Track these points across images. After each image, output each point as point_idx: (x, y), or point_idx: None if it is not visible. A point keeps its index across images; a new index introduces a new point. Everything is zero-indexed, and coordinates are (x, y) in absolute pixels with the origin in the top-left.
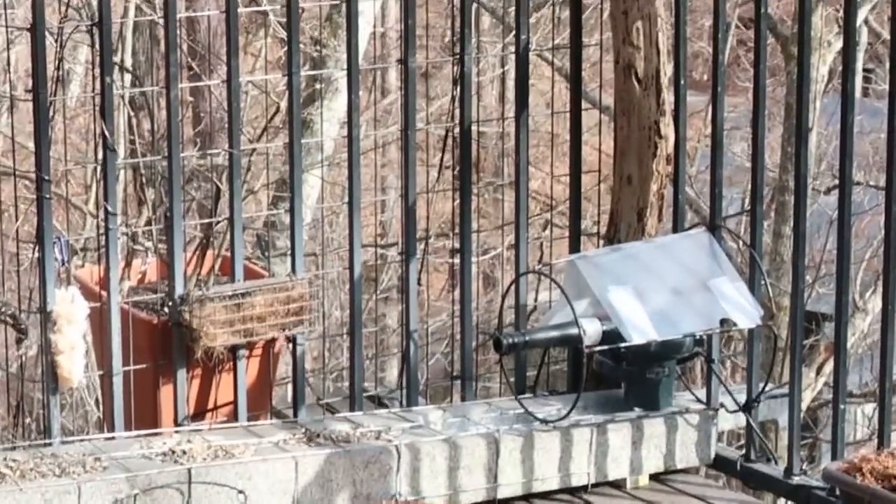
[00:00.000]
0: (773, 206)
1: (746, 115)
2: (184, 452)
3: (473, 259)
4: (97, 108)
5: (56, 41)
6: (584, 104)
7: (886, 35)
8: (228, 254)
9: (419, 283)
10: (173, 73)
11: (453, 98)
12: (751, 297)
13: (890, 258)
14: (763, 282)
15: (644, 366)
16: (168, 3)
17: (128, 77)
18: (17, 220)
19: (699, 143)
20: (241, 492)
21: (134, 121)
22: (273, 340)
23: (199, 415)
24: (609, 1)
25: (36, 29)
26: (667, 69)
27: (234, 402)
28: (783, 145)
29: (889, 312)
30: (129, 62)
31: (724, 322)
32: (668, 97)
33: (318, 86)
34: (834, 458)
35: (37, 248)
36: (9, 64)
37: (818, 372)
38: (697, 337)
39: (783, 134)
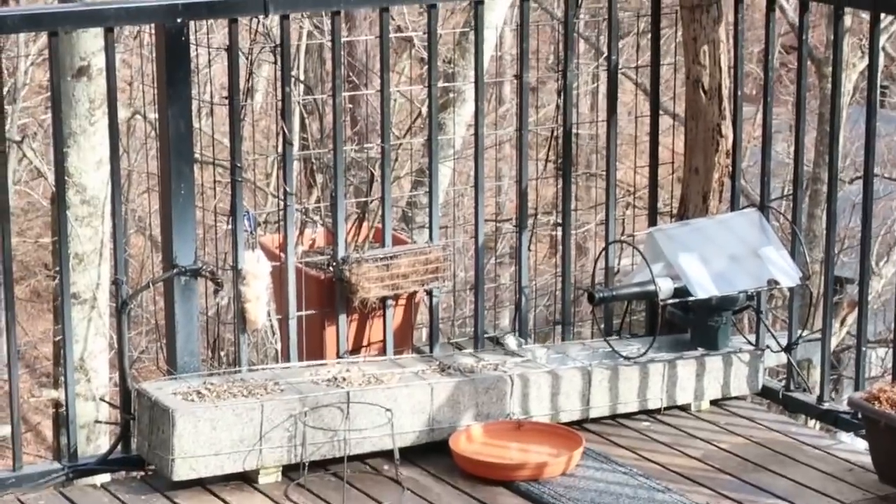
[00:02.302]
0: (808, 193)
1: (787, 122)
2: (344, 379)
3: (571, 231)
4: (278, 112)
5: (247, 59)
6: (659, 112)
7: None
8: (380, 226)
9: (529, 249)
10: (337, 85)
11: (557, 106)
12: (792, 262)
13: None
14: (801, 251)
15: (706, 315)
16: (334, 30)
17: (301, 87)
18: (214, 198)
19: (749, 143)
20: (388, 410)
21: (306, 122)
22: (414, 293)
23: (355, 350)
24: (682, 29)
25: (231, 49)
26: (727, 83)
27: (383, 341)
28: (816, 145)
29: None
30: (301, 76)
31: (770, 282)
32: (728, 105)
33: (450, 95)
34: (856, 389)
35: (230, 221)
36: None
37: (842, 323)
38: (749, 293)
39: (816, 136)
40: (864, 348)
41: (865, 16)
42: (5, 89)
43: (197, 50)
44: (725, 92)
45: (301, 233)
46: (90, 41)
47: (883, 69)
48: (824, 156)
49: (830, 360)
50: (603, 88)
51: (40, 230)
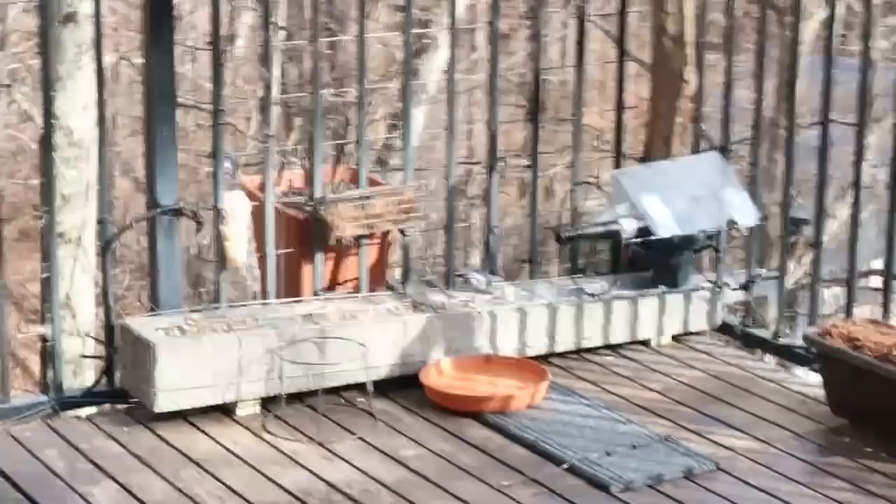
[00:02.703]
0: (768, 138)
1: (749, 69)
2: (320, 315)
3: (539, 174)
4: (259, 57)
5: (230, 5)
6: (626, 58)
7: (857, 7)
8: (356, 167)
9: (499, 191)
10: (316, 31)
11: (528, 53)
12: (751, 203)
13: (859, 177)
14: (759, 192)
15: (668, 254)
16: None
17: (282, 33)
18: (197, 141)
19: (711, 90)
20: (362, 344)
21: (286, 67)
22: (388, 232)
23: (331, 287)
24: None
25: None
26: (691, 30)
27: (358, 278)
28: (777, 92)
29: (855, 218)
30: (282, 23)
31: (729, 222)
32: (691, 52)
33: (424, 42)
34: (810, 325)
35: (211, 162)
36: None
37: (798, 262)
38: (709, 233)
39: (777, 83)
40: (818, 287)
41: None
42: None
43: None
44: (689, 38)
45: (280, 174)
46: None
47: (841, 18)
48: (784, 102)
49: (786, 298)
50: (572, 36)
51: (28, 172)
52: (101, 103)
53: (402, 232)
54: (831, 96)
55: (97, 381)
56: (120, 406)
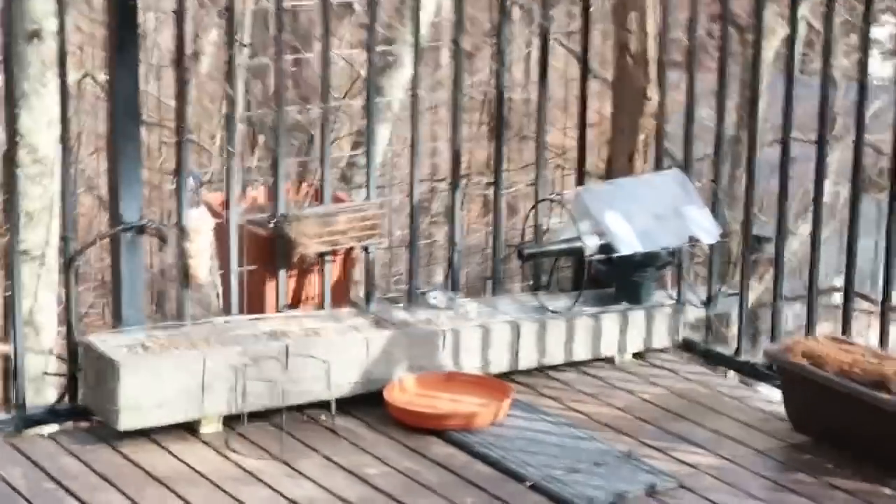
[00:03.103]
0: (730, 155)
1: (711, 87)
2: (283, 332)
3: (503, 192)
4: (224, 74)
5: (194, 22)
6: (589, 76)
7: (818, 26)
8: (319, 184)
9: (461, 209)
10: (280, 49)
11: (491, 70)
12: (712, 220)
13: (819, 195)
14: (721, 210)
15: (630, 271)
16: None
17: (246, 51)
18: (160, 158)
19: (673, 108)
20: (325, 361)
21: (250, 84)
22: (351, 249)
23: (294, 304)
24: None
25: (179, 14)
26: (653, 48)
27: (321, 295)
28: (738, 110)
29: (816, 235)
30: (247, 40)
31: (691, 239)
32: (653, 69)
33: (389, 59)
34: (772, 342)
35: (175, 179)
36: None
37: (760, 279)
38: (671, 250)
39: (739, 101)
40: (779, 303)
41: None
42: None
43: (145, 14)
44: (652, 56)
45: (243, 191)
46: (42, 5)
47: (803, 37)
48: (745, 120)
49: (748, 315)
50: (535, 54)
51: None
52: (64, 120)
53: (365, 249)
54: (792, 114)
55: (60, 399)
56: (83, 424)
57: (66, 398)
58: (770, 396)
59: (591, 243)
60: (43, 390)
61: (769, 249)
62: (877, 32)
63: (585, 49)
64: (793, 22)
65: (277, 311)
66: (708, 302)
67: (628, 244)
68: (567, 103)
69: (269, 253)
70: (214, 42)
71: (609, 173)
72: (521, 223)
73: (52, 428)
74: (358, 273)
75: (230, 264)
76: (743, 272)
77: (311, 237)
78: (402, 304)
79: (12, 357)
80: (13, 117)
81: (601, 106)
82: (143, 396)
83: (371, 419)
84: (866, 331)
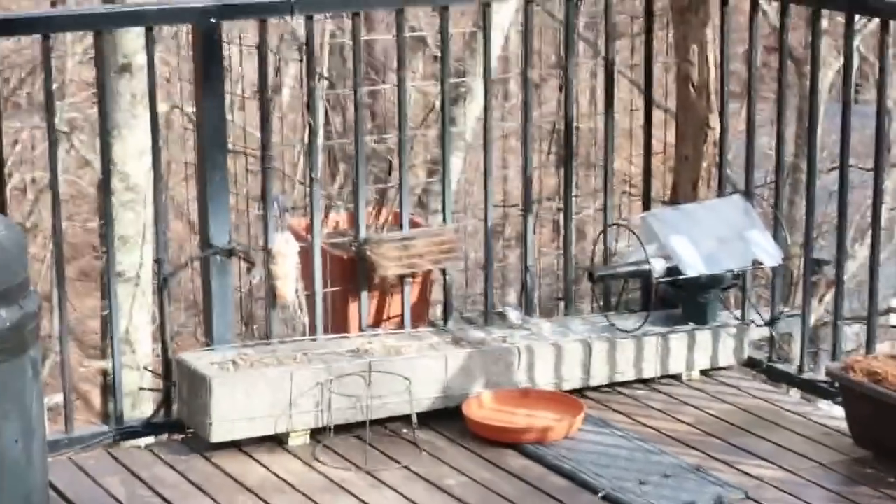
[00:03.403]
0: (789, 182)
1: (769, 117)
2: (366, 350)
3: (572, 216)
4: (304, 105)
5: (276, 57)
6: (653, 106)
7: (872, 58)
8: (398, 210)
9: (533, 232)
10: (358, 81)
11: (558, 101)
12: (774, 244)
13: (877, 219)
14: (783, 234)
15: (696, 292)
16: (354, 30)
17: (325, 83)
18: (246, 185)
19: (735, 136)
20: (406, 378)
21: (329, 115)
22: (429, 271)
23: (376, 324)
24: (673, 29)
25: (261, 48)
26: (714, 79)
27: (402, 315)
28: (796, 138)
29: (875, 258)
30: (325, 73)
31: (754, 262)
32: (715, 100)
33: (461, 91)
34: (833, 360)
35: (261, 205)
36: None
37: (820, 301)
38: (735, 272)
39: (796, 130)
40: (840, 323)
41: (840, 18)
42: (55, 85)
43: (230, 48)
44: (713, 87)
45: (326, 216)
46: (132, 40)
47: (856, 68)
48: (804, 148)
49: (809, 335)
50: (601, 85)
51: (87, 215)
52: (155, 150)
53: (442, 272)
54: (849, 142)
55: (155, 413)
56: (177, 436)
57: (162, 412)
58: (831, 412)
59: (658, 266)
60: (139, 404)
61: (829, 272)
62: None
63: (649, 80)
64: (847, 53)
65: (360, 330)
66: (771, 322)
67: (694, 267)
68: (632, 132)
69: (351, 275)
70: (294, 75)
71: (674, 199)
72: (591, 246)
73: (149, 440)
74: (436, 294)
75: (314, 286)
76: (804, 293)
77: (390, 260)
78: (478, 324)
79: (111, 373)
80: (106, 147)
81: (665, 135)
82: (233, 410)
83: (450, 433)
84: None
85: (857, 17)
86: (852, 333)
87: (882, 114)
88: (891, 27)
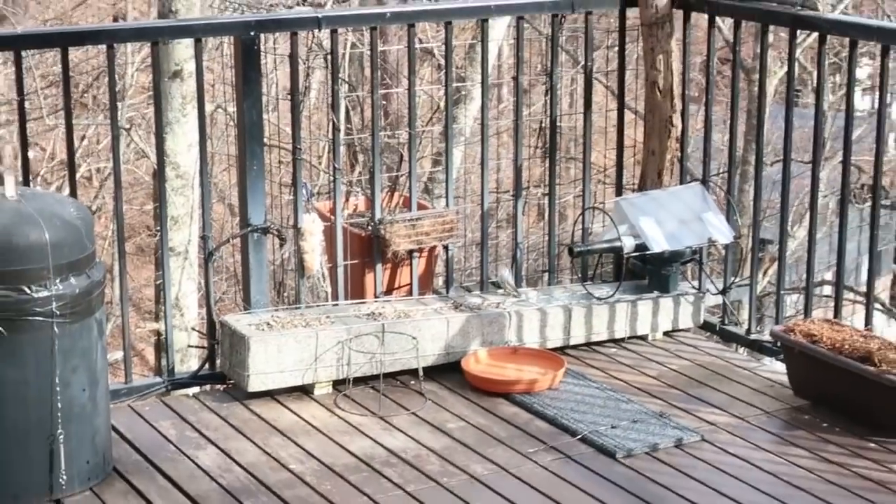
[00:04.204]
0: (739, 172)
1: (723, 117)
2: (379, 314)
3: (556, 201)
4: (328, 106)
5: (304, 65)
6: (624, 108)
7: (810, 67)
8: (408, 195)
9: (522, 214)
10: (374, 85)
11: (544, 103)
12: (726, 225)
13: (814, 205)
14: (734, 217)
15: (660, 266)
16: (372, 42)
17: (346, 87)
18: (279, 174)
19: (694, 133)
20: (414, 338)
21: (350, 114)
22: (434, 247)
23: (388, 292)
24: (642, 42)
25: (292, 57)
26: (677, 85)
27: (410, 284)
28: (745, 136)
29: (811, 238)
30: (346, 78)
31: (710, 240)
32: (678, 102)
33: (462, 94)
34: (776, 324)
35: (291, 191)
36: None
37: (764, 274)
38: (693, 249)
39: (745, 128)
40: (782, 293)
41: (784, 33)
42: (117, 88)
43: (265, 57)
44: (676, 91)
45: (346, 200)
46: (183, 50)
47: (797, 75)
48: (752, 143)
49: (756, 302)
50: (580, 90)
51: (143, 199)
52: (202, 143)
53: (445, 247)
54: (791, 139)
55: (201, 367)
56: (219, 386)
57: (206, 366)
58: (775, 368)
59: (628, 243)
60: (187, 360)
61: (772, 249)
62: (858, 72)
63: (621, 86)
64: (790, 62)
65: (375, 296)
66: (723, 291)
67: (658, 244)
68: (606, 130)
69: (367, 250)
70: (320, 80)
71: (642, 186)
72: (571, 227)
73: (195, 389)
74: (439, 267)
75: (336, 259)
76: (752, 267)
77: (401, 237)
78: (475, 292)
79: (163, 333)
80: (161, 141)
81: (634, 132)
82: (267, 364)
83: (451, 384)
84: (851, 316)
85: (798, 31)
86: (792, 302)
87: (819, 114)
88: (827, 40)
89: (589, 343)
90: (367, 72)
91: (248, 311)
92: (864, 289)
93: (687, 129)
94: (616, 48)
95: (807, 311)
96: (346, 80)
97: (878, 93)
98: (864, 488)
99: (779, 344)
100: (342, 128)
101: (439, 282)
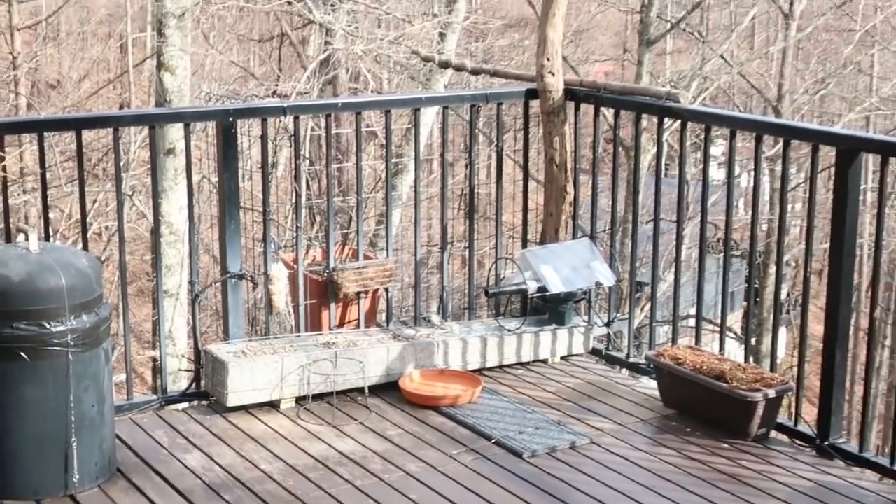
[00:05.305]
0: (620, 229)
1: (607, 185)
2: (333, 343)
3: (475, 252)
4: (292, 176)
5: (273, 144)
6: (529, 178)
7: (675, 146)
8: (356, 248)
9: (448, 263)
10: (329, 160)
11: (465, 174)
12: (610, 271)
13: (678, 255)
14: (616, 265)
15: (557, 304)
16: (327, 125)
17: (306, 161)
18: (252, 230)
19: (584, 198)
20: (361, 362)
21: (310, 183)
22: (377, 290)
23: (340, 325)
24: (542, 126)
25: (263, 138)
26: (570, 160)
27: (358, 319)
28: (625, 200)
29: (677, 281)
30: (307, 153)
31: (597, 283)
32: (570, 174)
33: (399, 167)
34: (650, 349)
35: (262, 245)
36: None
37: (641, 310)
38: (584, 290)
39: (625, 194)
40: (654, 325)
41: (654, 119)
42: (122, 162)
43: (241, 137)
44: (569, 165)
45: (307, 252)
46: (175, 132)
47: (665, 152)
48: (630, 206)
49: (634, 332)
50: (494, 164)
51: (143, 251)
52: (190, 206)
53: (386, 290)
54: (660, 202)
55: (189, 386)
56: (204, 402)
57: (193, 386)
58: (649, 385)
59: (532, 286)
60: (178, 381)
61: (647, 290)
62: (713, 150)
63: (526, 160)
64: (659, 144)
65: (330, 329)
66: (608, 324)
67: (556, 286)
68: (514, 195)
69: (324, 292)
70: (286, 155)
71: (542, 241)
72: (487, 273)
73: (185, 405)
74: (381, 305)
75: (299, 299)
76: (630, 304)
77: (350, 282)
78: (410, 325)
79: (159, 359)
80: (157, 205)
81: (537, 197)
82: (243, 384)
83: (391, 399)
84: (710, 343)
85: (665, 119)
86: (662, 331)
87: (682, 183)
88: (688, 126)
89: (501, 366)
90: (324, 149)
91: (227, 342)
92: (719, 321)
93: (578, 195)
94: (522, 131)
95: (674, 339)
96: (307, 156)
97: (727, 167)
98: (720, 480)
99: (651, 365)
100: (303, 194)
101: (382, 317)
